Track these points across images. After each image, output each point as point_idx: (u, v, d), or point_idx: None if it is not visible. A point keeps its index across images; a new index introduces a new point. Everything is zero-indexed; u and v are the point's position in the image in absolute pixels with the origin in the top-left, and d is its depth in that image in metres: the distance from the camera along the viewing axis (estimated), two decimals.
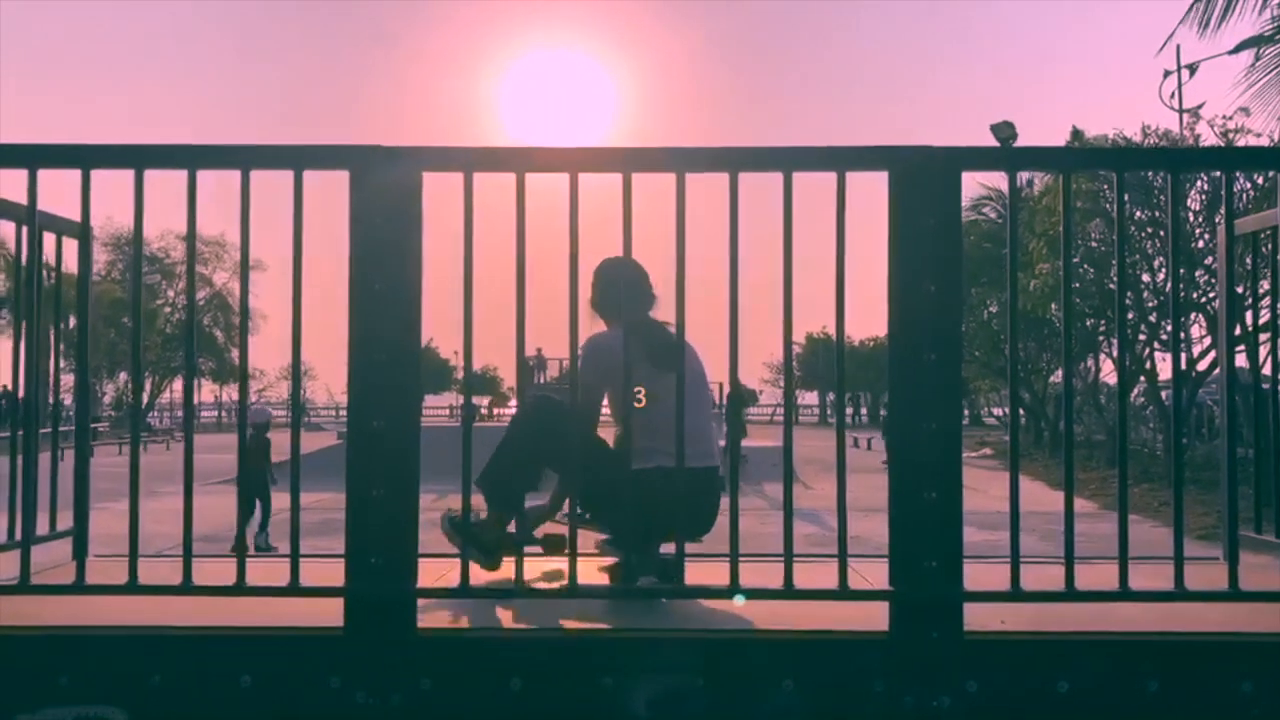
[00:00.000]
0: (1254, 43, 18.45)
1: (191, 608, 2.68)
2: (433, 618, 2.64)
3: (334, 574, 2.58)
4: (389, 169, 2.58)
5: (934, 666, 2.52)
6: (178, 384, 47.12)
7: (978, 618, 2.58)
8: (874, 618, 2.57)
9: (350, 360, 2.58)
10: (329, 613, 2.55)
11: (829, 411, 49.20)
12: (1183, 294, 18.17)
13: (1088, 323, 21.64)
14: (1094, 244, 18.45)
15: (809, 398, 56.22)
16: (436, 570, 3.08)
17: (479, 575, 3.08)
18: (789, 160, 2.58)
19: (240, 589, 2.57)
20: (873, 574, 3.02)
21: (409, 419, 2.59)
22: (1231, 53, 19.48)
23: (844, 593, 2.56)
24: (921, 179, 2.56)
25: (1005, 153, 2.58)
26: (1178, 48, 22.33)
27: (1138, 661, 2.52)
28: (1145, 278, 18.81)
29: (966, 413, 46.20)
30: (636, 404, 3.07)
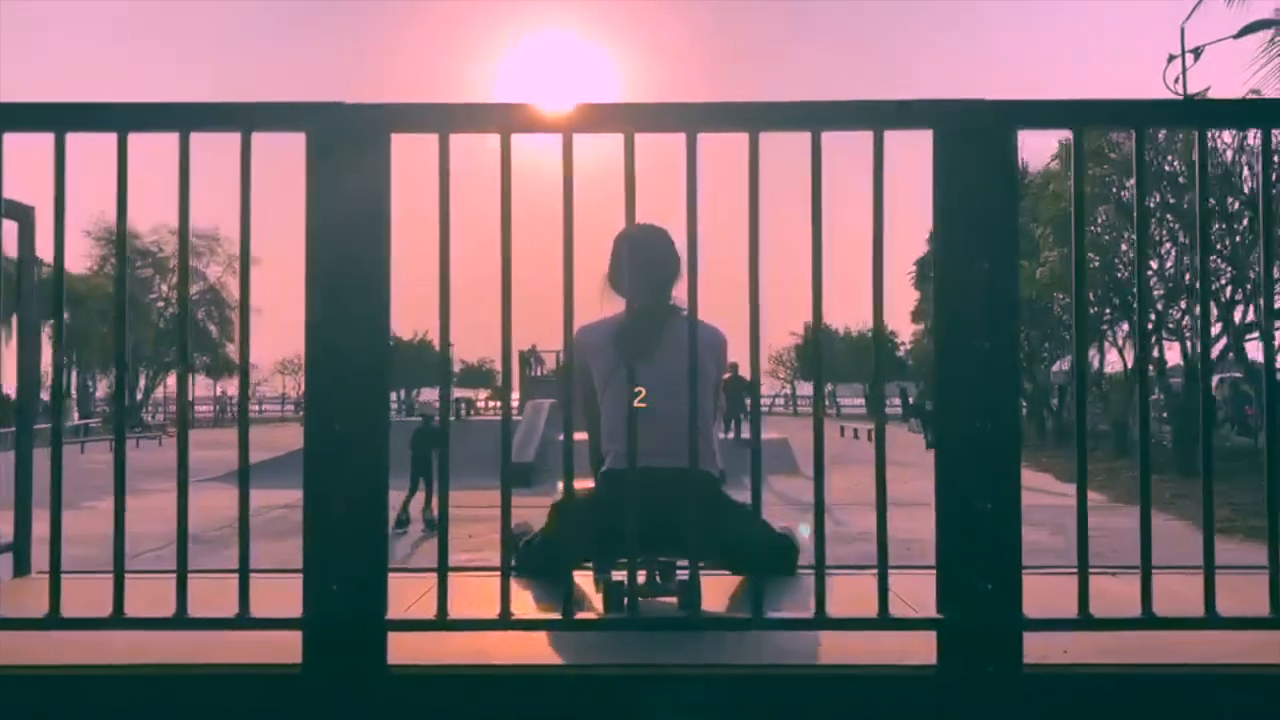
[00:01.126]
0: (1262, 25, 18.09)
1: (128, 642, 2.32)
2: (407, 650, 2.27)
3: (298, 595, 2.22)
4: (351, 130, 2.21)
5: (990, 706, 2.16)
6: (171, 379, 46.78)
7: (1035, 646, 2.22)
8: (918, 648, 2.21)
9: (307, 351, 2.22)
10: (287, 645, 2.18)
11: (827, 403, 48.85)
12: (1189, 280, 17.82)
13: (1091, 310, 21.33)
14: (1096, 229, 18.10)
15: (806, 388, 55.88)
16: (412, 590, 2.72)
17: (460, 600, 2.72)
18: (818, 117, 2.21)
19: (179, 621, 2.20)
20: (908, 588, 2.67)
21: (377, 420, 2.22)
22: (1236, 36, 19.12)
23: (885, 622, 2.20)
24: (972, 138, 2.19)
25: (1069, 107, 2.22)
26: (1181, 31, 21.96)
27: (1230, 698, 2.17)
28: (1153, 264, 18.47)
29: None
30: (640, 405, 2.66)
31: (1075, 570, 2.24)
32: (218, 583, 2.76)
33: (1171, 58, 22.29)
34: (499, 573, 2.24)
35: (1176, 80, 22.26)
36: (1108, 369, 24.83)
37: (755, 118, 2.21)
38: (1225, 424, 20.87)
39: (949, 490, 2.20)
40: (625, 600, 2.34)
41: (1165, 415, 21.47)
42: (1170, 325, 18.94)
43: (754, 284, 2.19)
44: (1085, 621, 2.20)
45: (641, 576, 2.65)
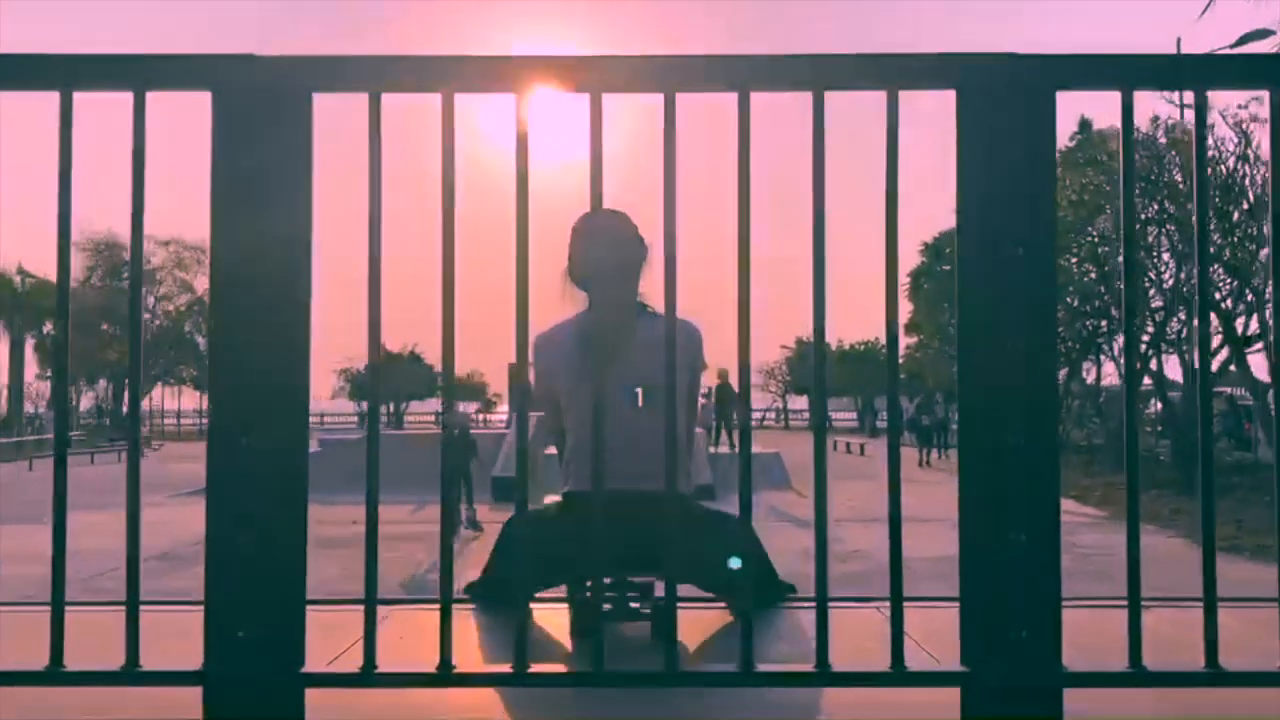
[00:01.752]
0: (1259, 35, 17.86)
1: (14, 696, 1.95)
2: (330, 707, 1.91)
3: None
4: (266, 88, 1.86)
5: None
6: (156, 392, 46.35)
7: (1073, 700, 1.86)
8: (938, 699, 1.85)
9: (211, 351, 1.86)
10: (187, 700, 1.82)
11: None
12: (1188, 289, 17.53)
13: (1088, 324, 21.03)
14: (1095, 235, 17.82)
15: (799, 402, 55.56)
16: (334, 629, 2.34)
17: (417, 638, 2.37)
18: (821, 74, 1.86)
19: (52, 675, 1.83)
20: (916, 620, 2.31)
21: (294, 432, 1.86)
22: (1233, 46, 18.88)
23: (901, 676, 1.84)
24: (1004, 100, 1.85)
25: (1121, 64, 1.88)
26: (1178, 40, 21.76)
27: None
28: (1150, 274, 18.20)
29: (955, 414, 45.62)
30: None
31: (1105, 601, 1.89)
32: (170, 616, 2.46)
33: None
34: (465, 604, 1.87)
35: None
36: (1104, 382, 24.60)
37: (745, 75, 1.86)
38: (1222, 438, 20.56)
39: (975, 518, 1.84)
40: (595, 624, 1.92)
41: (1160, 429, 21.19)
42: (1170, 337, 18.65)
43: (744, 265, 1.83)
44: (1138, 676, 1.84)
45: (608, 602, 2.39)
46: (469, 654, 2.27)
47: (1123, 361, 22.28)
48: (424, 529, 13.24)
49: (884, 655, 1.86)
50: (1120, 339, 21.97)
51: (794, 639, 2.64)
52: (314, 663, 1.87)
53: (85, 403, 43.53)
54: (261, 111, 1.85)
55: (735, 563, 1.68)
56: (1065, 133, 21.58)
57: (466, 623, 2.69)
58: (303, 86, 1.86)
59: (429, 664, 1.83)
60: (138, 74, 1.86)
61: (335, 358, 50.78)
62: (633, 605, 2.48)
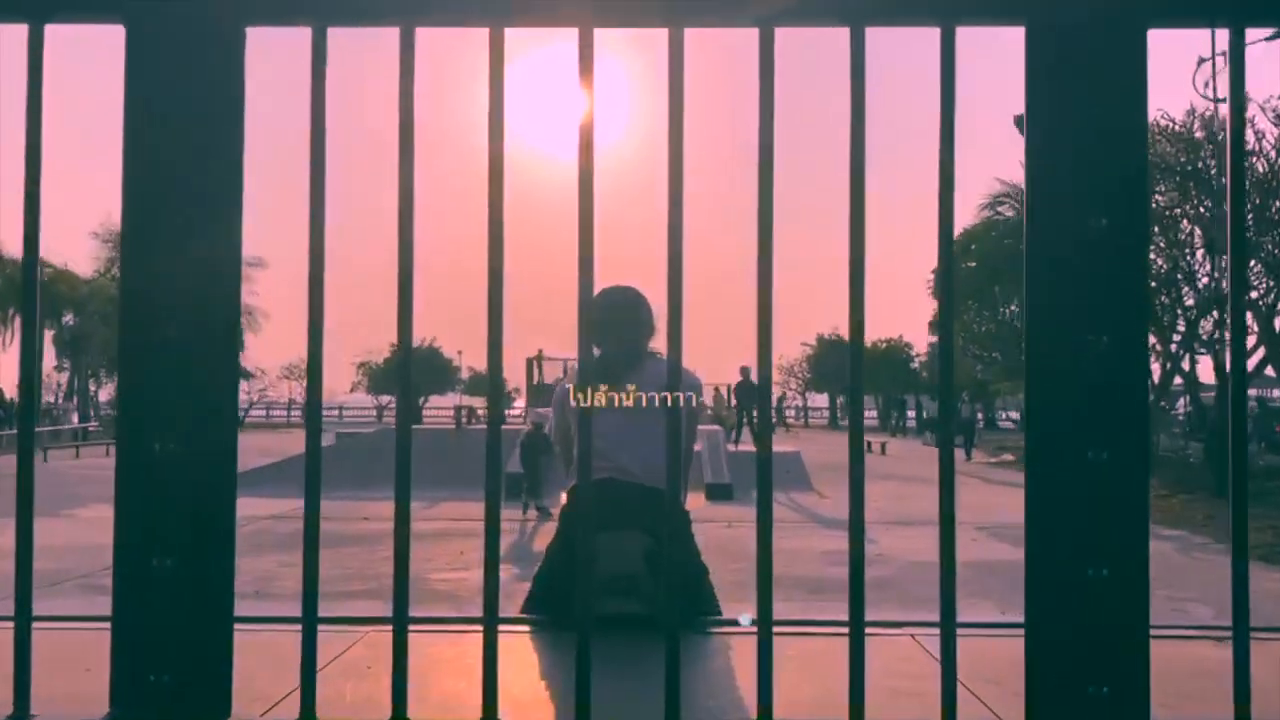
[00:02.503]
0: None
1: None
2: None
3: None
4: (189, 21, 1.54)
5: None
6: None
7: None
8: None
9: (120, 332, 1.55)
10: None
11: (840, 414, 47.95)
12: (1227, 284, 17.04)
13: None
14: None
15: (818, 400, 55.06)
16: (270, 661, 2.02)
17: (356, 673, 2.06)
18: (860, 4, 1.53)
19: None
20: (966, 652, 1.97)
21: (220, 436, 1.54)
22: (1270, 38, 18.34)
23: None
24: (1084, 38, 1.51)
25: None
26: (1212, 33, 21.24)
27: None
28: (1181, 271, 17.71)
29: (981, 415, 45.05)
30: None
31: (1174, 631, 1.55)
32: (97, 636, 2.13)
33: (1201, 61, 21.55)
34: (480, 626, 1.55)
35: (1207, 85, 21.50)
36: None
37: (767, 6, 1.53)
38: (1253, 440, 19.92)
39: (1045, 549, 1.51)
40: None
41: (1189, 430, 20.67)
42: (1203, 336, 18.15)
43: (765, 219, 1.50)
44: None
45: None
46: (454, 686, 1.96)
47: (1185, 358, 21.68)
48: (431, 527, 12.96)
49: (925, 697, 1.53)
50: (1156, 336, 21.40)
51: (813, 658, 2.31)
52: (250, 704, 1.56)
53: (105, 394, 43.50)
54: (184, 48, 1.53)
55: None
56: None
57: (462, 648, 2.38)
58: (233, 18, 1.54)
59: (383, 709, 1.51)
60: (35, 3, 1.55)
61: (356, 350, 50.64)
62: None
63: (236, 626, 2.70)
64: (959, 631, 2.38)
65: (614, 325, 2.91)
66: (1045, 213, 1.52)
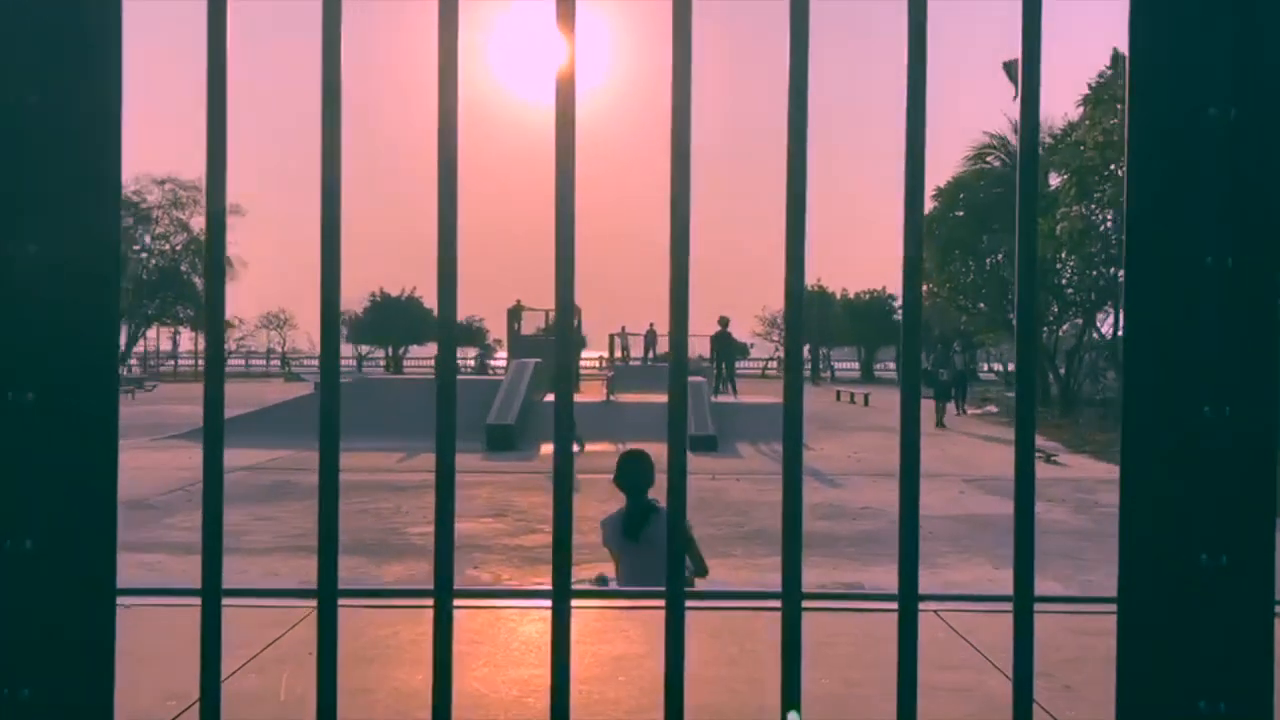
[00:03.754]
0: None
1: None
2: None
3: None
4: None
5: None
6: (151, 332, 45.69)
7: None
8: None
9: None
10: None
11: (821, 367, 47.71)
12: None
13: (1111, 271, 20.22)
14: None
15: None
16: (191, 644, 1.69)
17: (297, 660, 1.74)
18: None
19: None
20: (971, 626, 1.67)
21: (99, 384, 1.20)
22: None
23: None
24: None
25: None
26: None
27: None
28: None
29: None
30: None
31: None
32: None
33: None
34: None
35: None
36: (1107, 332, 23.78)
37: None
38: None
39: (1145, 530, 1.19)
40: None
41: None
42: None
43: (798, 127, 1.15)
44: None
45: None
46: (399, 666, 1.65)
47: None
48: (411, 479, 12.65)
49: (973, 695, 1.22)
50: None
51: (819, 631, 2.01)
52: (157, 706, 1.23)
53: None
54: None
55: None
56: (1095, 67, 20.53)
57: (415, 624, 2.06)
58: None
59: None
60: None
61: None
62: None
63: (160, 601, 2.35)
64: (977, 606, 2.07)
65: (632, 487, 4.58)
66: (1151, 99, 1.18)
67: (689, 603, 1.43)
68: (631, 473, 4.56)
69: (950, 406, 23.12)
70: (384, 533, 9.28)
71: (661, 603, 1.30)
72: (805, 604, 1.32)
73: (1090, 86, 18.13)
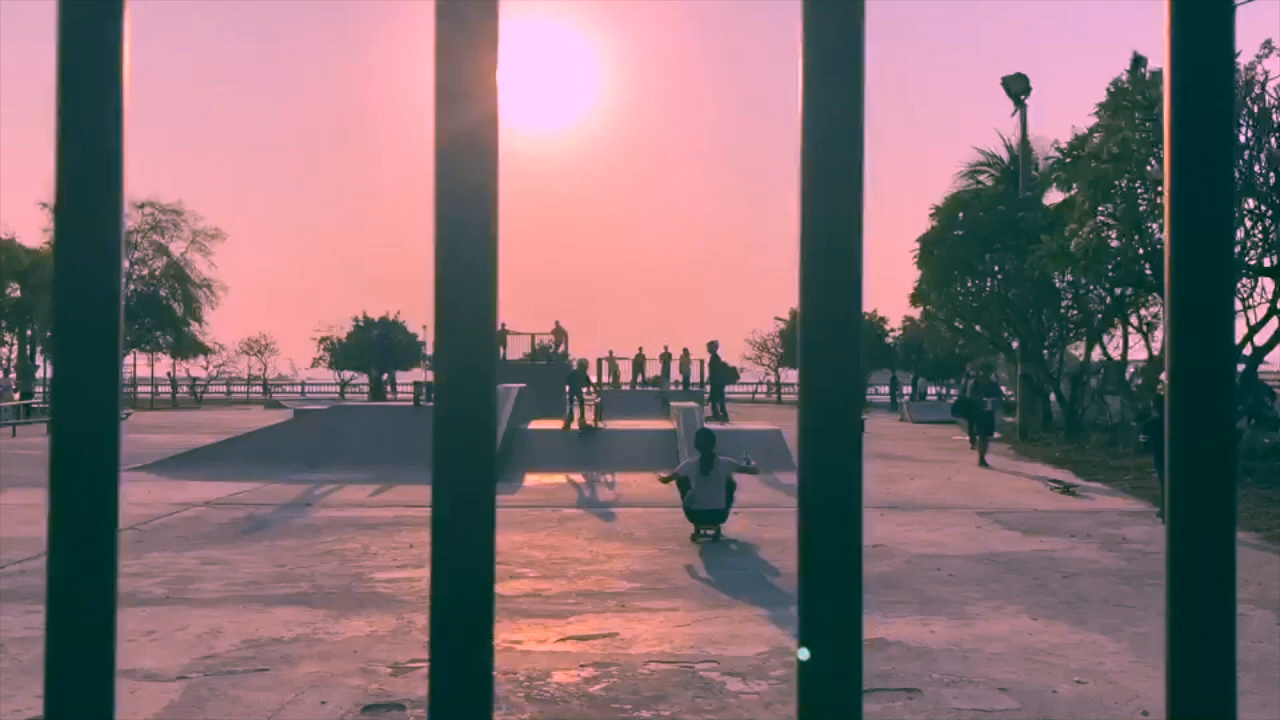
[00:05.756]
0: None
1: None
2: None
3: None
4: None
5: None
6: (128, 359, 45.14)
7: None
8: None
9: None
10: None
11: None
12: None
13: (1117, 291, 19.76)
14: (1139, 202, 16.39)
15: (790, 375, 54.66)
16: None
17: None
18: None
19: None
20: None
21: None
22: None
23: None
24: None
25: None
26: None
27: None
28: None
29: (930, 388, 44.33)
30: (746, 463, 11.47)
31: None
32: None
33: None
34: None
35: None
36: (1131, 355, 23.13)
37: None
38: (1242, 417, 19.06)
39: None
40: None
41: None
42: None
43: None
44: None
45: None
46: None
47: (1154, 335, 21.00)
48: (383, 515, 12.01)
49: None
50: (1148, 310, 20.76)
51: None
52: None
53: (49, 368, 42.23)
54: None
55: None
56: (1113, 72, 19.99)
57: None
58: None
59: None
60: None
61: (315, 325, 49.73)
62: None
63: None
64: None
65: (704, 447, 10.99)
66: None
67: None
68: (705, 441, 11.03)
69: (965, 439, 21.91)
70: (348, 579, 8.52)
71: None
72: None
73: (1109, 91, 17.44)
